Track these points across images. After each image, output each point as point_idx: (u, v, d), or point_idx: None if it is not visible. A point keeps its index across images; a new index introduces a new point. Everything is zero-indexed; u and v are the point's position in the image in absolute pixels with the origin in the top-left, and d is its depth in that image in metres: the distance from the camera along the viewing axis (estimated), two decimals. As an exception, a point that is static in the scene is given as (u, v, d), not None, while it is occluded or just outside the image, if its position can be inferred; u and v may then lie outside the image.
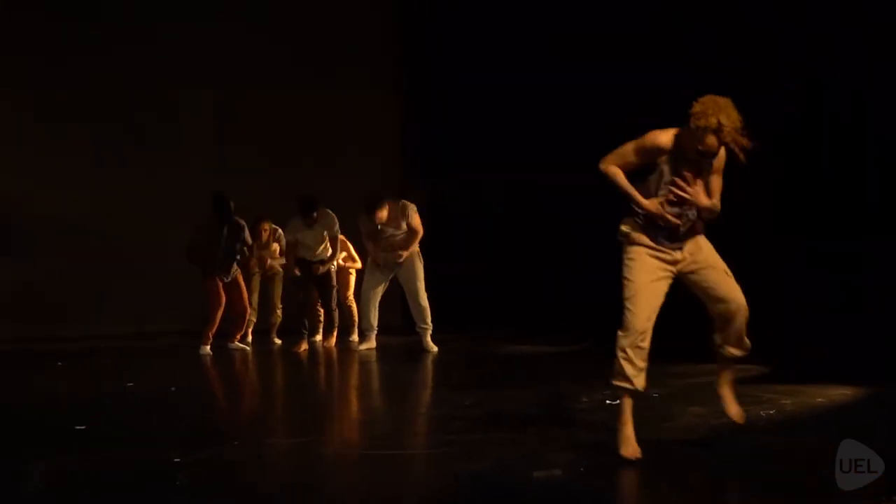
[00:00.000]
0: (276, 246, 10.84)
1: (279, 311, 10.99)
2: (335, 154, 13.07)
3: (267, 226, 10.82)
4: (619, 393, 4.82)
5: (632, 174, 4.74)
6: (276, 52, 12.91)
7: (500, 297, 11.84)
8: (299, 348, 9.98)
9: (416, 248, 9.67)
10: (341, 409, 6.89)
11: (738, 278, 4.80)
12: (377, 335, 10.04)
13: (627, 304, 4.71)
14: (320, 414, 6.42)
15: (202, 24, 12.64)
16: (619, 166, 4.73)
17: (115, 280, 12.25)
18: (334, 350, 10.15)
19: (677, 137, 4.62)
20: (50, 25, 12.20)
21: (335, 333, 10.43)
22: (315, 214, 9.93)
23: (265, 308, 11.00)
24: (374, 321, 9.96)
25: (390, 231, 9.60)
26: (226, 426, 6.05)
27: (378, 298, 9.92)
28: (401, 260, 9.61)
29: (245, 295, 10.16)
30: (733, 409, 5.01)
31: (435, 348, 9.62)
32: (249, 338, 10.68)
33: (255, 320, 10.82)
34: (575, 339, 9.74)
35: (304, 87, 13.03)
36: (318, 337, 10.68)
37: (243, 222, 9.98)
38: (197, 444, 5.06)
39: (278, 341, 10.79)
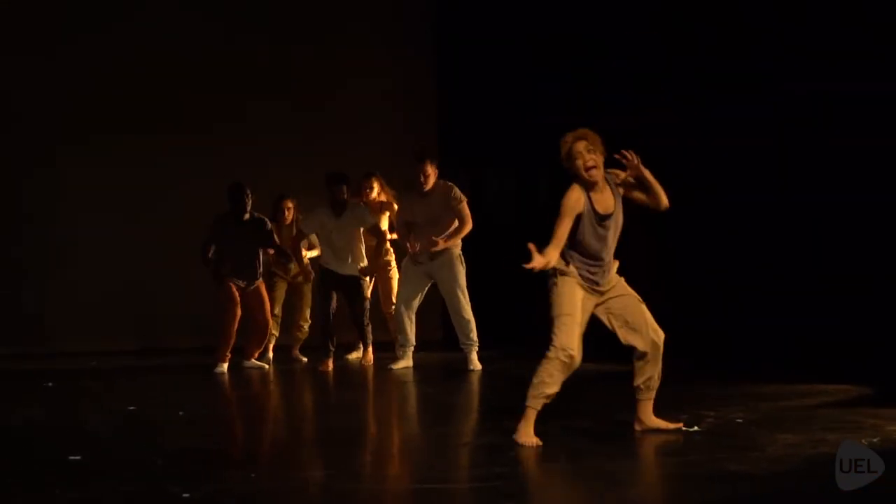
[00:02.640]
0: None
1: (306, 326, 10.93)
2: (365, 144, 13.10)
3: (290, 203, 10.72)
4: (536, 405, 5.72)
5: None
6: (303, 38, 13.16)
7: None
8: (326, 367, 9.97)
9: (457, 243, 9.62)
10: (373, 437, 6.87)
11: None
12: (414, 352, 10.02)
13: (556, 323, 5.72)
14: (349, 443, 6.39)
15: (227, 23, 12.93)
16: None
17: (115, 290, 12.35)
18: (369, 369, 10.13)
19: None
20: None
21: (371, 349, 10.38)
22: (345, 189, 9.88)
23: (290, 321, 10.95)
24: (412, 335, 9.92)
25: (432, 219, 9.58)
26: (241, 456, 6.06)
27: (414, 310, 9.90)
28: (437, 249, 9.56)
29: (267, 307, 10.15)
30: (671, 425, 6.01)
31: (480, 367, 9.59)
32: (270, 354, 10.69)
33: (276, 335, 10.81)
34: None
35: (333, 75, 13.22)
36: (356, 354, 10.66)
37: (266, 219, 10.01)
38: (208, 477, 5.07)
39: (304, 359, 10.76)
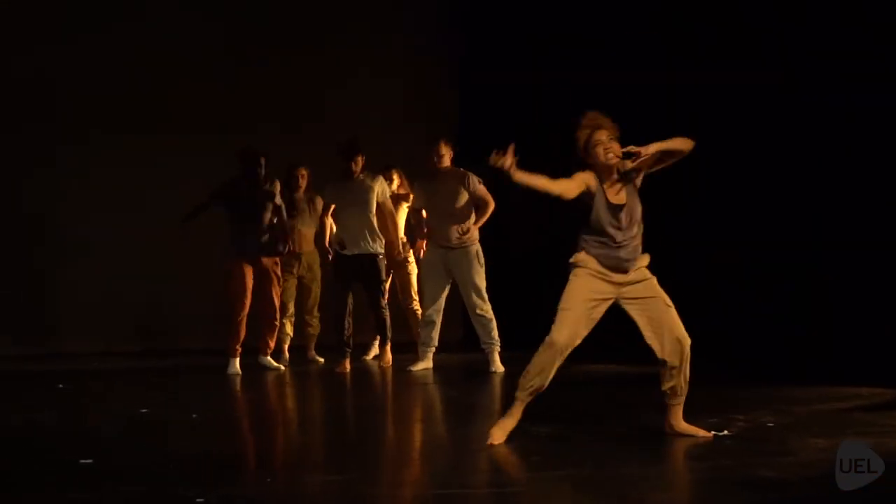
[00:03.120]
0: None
1: (316, 320, 10.82)
2: (386, 135, 13.12)
3: (304, 171, 10.60)
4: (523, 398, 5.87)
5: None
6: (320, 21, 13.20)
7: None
8: (342, 368, 9.94)
9: (476, 238, 9.59)
10: (392, 440, 6.85)
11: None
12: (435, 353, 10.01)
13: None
14: (367, 446, 6.40)
15: (233, 20, 13.02)
16: None
17: (123, 287, 12.38)
18: (387, 371, 10.12)
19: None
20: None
21: (388, 349, 10.37)
22: (360, 159, 9.80)
23: (298, 318, 10.89)
24: (435, 337, 9.90)
25: (447, 204, 9.57)
26: (256, 460, 6.06)
27: (441, 311, 9.86)
28: (465, 236, 9.54)
29: (278, 291, 10.04)
30: (701, 432, 5.94)
31: (503, 368, 9.55)
32: (286, 355, 10.67)
33: (291, 334, 10.77)
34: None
35: (349, 69, 13.25)
36: (373, 354, 10.65)
37: (276, 189, 9.92)
38: (222, 481, 5.07)
39: (320, 360, 10.72)
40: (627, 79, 10.71)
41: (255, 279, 9.85)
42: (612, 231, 5.81)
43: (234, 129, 12.21)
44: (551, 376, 5.84)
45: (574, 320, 5.78)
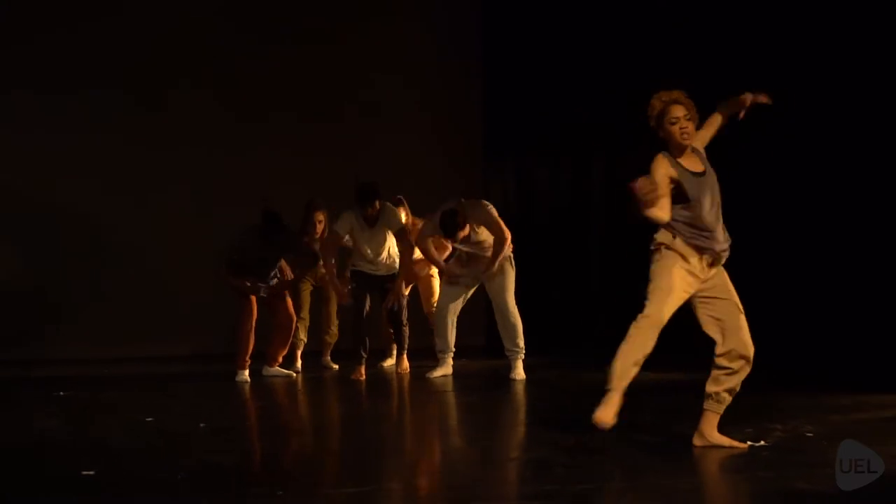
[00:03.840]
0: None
1: (335, 328, 10.86)
2: (407, 131, 13.19)
3: (322, 216, 10.49)
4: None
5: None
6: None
7: (607, 304, 11.63)
8: (358, 375, 9.92)
9: (508, 251, 9.59)
10: (410, 450, 6.83)
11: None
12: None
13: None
14: (384, 457, 6.38)
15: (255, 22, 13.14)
16: None
17: (128, 291, 12.40)
18: (404, 377, 10.11)
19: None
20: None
21: (406, 356, 10.35)
22: (377, 205, 9.77)
23: (317, 325, 10.86)
24: (452, 340, 9.89)
25: (466, 240, 9.54)
26: (267, 471, 6.02)
27: (457, 313, 9.86)
28: (492, 271, 9.54)
29: (290, 303, 10.10)
30: (735, 443, 5.85)
31: (524, 376, 9.51)
32: (298, 363, 10.63)
33: (305, 340, 10.76)
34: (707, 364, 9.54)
35: (373, 65, 13.38)
36: (390, 361, 10.64)
37: (293, 235, 9.97)
38: (232, 494, 5.05)
39: (334, 366, 10.73)
40: (653, 75, 10.75)
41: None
42: (699, 212, 5.78)
43: (246, 121, 12.35)
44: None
45: (672, 295, 5.79)
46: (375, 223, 9.83)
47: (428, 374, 9.87)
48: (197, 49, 12.75)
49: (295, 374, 10.26)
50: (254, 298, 9.82)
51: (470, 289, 9.83)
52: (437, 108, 13.40)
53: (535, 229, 12.43)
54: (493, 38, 13.70)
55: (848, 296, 9.08)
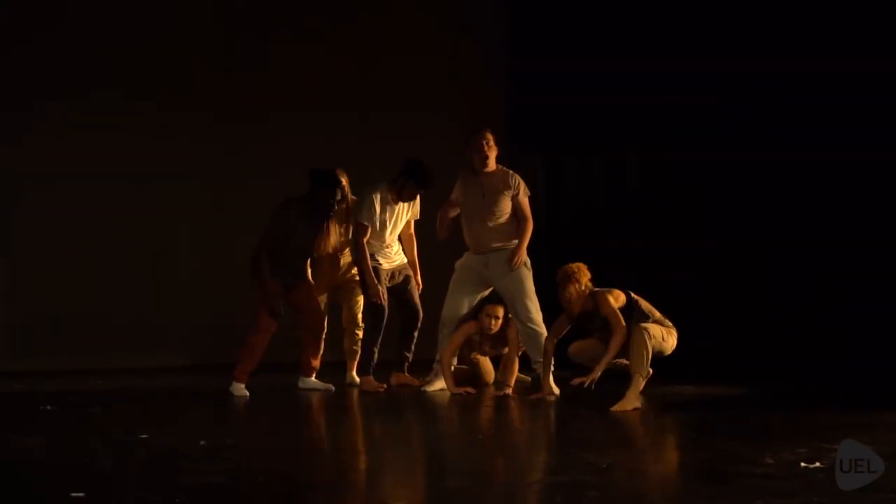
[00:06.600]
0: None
1: (360, 332, 10.50)
2: (429, 119, 13.26)
3: (344, 180, 9.86)
4: None
5: None
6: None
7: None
8: (407, 381, 10.16)
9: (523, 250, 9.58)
10: (428, 473, 6.81)
11: None
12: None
13: None
14: (400, 479, 6.38)
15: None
16: None
17: (120, 296, 12.43)
18: (409, 391, 10.15)
19: None
20: None
21: (406, 368, 10.40)
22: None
23: (338, 329, 10.60)
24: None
25: (478, 201, 9.63)
26: (272, 493, 6.02)
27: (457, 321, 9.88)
28: (515, 265, 9.55)
29: (318, 303, 9.99)
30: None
31: (557, 391, 9.39)
32: (352, 372, 10.52)
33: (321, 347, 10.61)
34: (745, 377, 9.51)
35: (394, 49, 13.58)
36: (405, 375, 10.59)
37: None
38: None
39: (357, 379, 10.43)
40: (677, 67, 10.86)
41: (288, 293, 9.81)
42: None
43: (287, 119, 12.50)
44: None
45: None
46: (400, 204, 9.89)
47: (423, 388, 9.93)
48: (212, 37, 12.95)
49: (333, 388, 10.08)
50: (278, 315, 9.66)
51: (478, 294, 9.84)
52: (461, 98, 13.47)
53: (563, 227, 12.53)
54: (519, 28, 13.80)
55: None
